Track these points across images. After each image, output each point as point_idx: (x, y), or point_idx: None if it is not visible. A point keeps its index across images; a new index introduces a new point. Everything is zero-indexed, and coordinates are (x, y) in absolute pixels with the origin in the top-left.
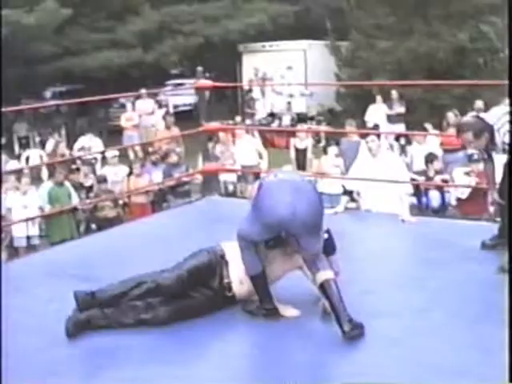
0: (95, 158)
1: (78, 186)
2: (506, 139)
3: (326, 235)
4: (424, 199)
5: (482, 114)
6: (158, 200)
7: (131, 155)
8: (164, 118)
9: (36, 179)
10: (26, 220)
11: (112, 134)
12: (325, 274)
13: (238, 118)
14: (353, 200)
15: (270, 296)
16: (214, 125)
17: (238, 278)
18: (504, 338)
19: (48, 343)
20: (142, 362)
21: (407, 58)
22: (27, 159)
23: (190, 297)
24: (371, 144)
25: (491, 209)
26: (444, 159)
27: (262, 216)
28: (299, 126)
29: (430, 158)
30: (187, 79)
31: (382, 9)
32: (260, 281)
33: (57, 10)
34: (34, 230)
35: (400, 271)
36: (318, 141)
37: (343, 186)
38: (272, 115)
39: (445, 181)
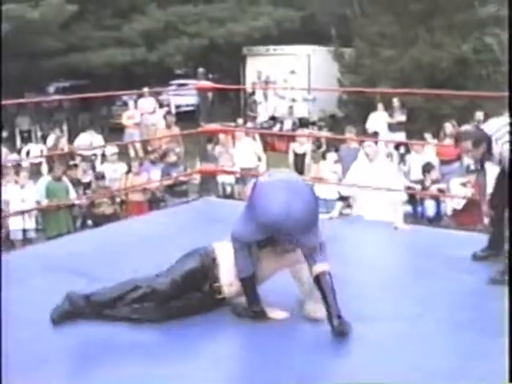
0: (95, 155)
1: (76, 182)
2: (504, 150)
3: None
4: (419, 208)
5: (481, 125)
6: (156, 199)
7: (131, 153)
8: (165, 117)
9: (36, 174)
10: (23, 212)
11: (113, 132)
12: (321, 266)
13: (240, 121)
14: (349, 206)
15: (257, 298)
16: (212, 126)
17: (228, 280)
18: (490, 346)
19: (38, 335)
20: (134, 360)
21: (410, 67)
22: (28, 153)
23: (182, 299)
24: (368, 149)
25: (486, 220)
26: (440, 170)
27: (257, 216)
28: (299, 131)
29: (427, 168)
30: (191, 80)
31: (386, 17)
32: (250, 283)
33: (62, 5)
34: (30, 224)
35: (389, 278)
36: (319, 146)
37: (338, 192)
38: (274, 119)
39: (440, 191)
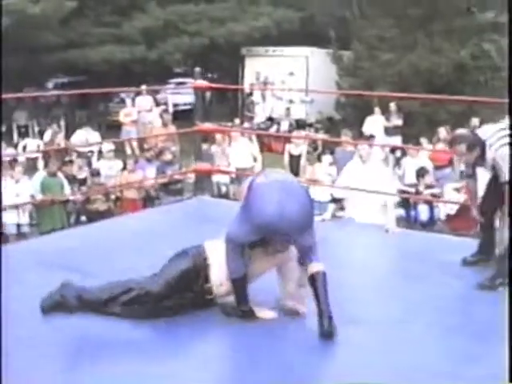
0: (92, 152)
1: (72, 178)
2: (497, 156)
3: None
4: (413, 213)
5: (476, 130)
6: (150, 196)
7: (128, 150)
8: (161, 115)
9: (33, 169)
10: (17, 206)
11: (111, 129)
12: (316, 266)
13: (237, 121)
14: (342, 208)
15: (246, 298)
16: (207, 125)
17: (218, 281)
18: (478, 350)
19: (30, 330)
20: (126, 358)
21: (408, 72)
22: (24, 148)
23: (173, 299)
24: (362, 151)
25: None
26: (433, 175)
27: (252, 217)
28: (295, 133)
29: (421, 173)
30: (190, 78)
31: (385, 20)
32: (240, 284)
33: (62, 1)
34: (24, 218)
35: (379, 281)
36: (315, 148)
37: (331, 194)
38: (271, 120)
39: (434, 195)
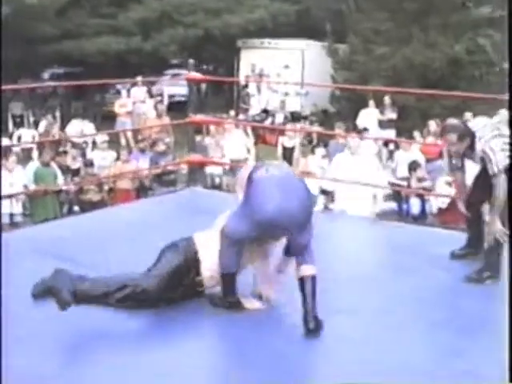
0: (86, 142)
1: (65, 169)
2: (487, 147)
3: None
4: (405, 206)
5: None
6: (144, 187)
7: (123, 141)
8: (155, 107)
9: (27, 159)
10: (10, 196)
11: (106, 120)
12: (308, 269)
13: (232, 113)
14: (333, 201)
15: (234, 291)
16: (200, 117)
17: (209, 274)
18: (463, 344)
19: (24, 320)
20: (117, 349)
21: (403, 66)
22: (19, 138)
23: (166, 294)
24: (351, 142)
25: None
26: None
27: (253, 213)
28: (289, 125)
29: (413, 166)
30: (186, 70)
31: (381, 14)
32: (230, 279)
33: None
34: (17, 208)
35: (367, 273)
36: (310, 141)
37: (320, 187)
38: (266, 112)
39: (425, 189)
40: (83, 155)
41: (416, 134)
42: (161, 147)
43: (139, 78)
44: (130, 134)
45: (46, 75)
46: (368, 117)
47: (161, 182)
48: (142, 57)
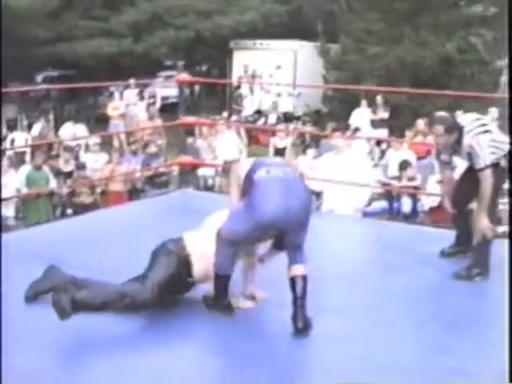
0: (79, 145)
1: (58, 172)
2: (474, 142)
3: None
4: (396, 205)
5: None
6: (136, 189)
7: (116, 144)
8: (147, 109)
9: (21, 162)
10: (2, 200)
11: (99, 122)
12: (299, 269)
13: (225, 114)
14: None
15: (226, 293)
16: (191, 119)
17: (201, 275)
18: (451, 342)
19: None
20: (113, 352)
21: (395, 65)
22: (12, 142)
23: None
24: (337, 141)
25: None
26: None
27: (254, 215)
28: (280, 126)
29: (403, 165)
30: (181, 71)
31: (372, 14)
32: (224, 281)
33: None
34: (9, 212)
35: (357, 272)
36: (303, 141)
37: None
38: (259, 113)
39: (415, 188)
40: (76, 158)
41: (408, 133)
42: (153, 149)
43: (132, 81)
44: (123, 137)
45: (39, 78)
46: (360, 116)
47: (153, 184)
48: (133, 59)
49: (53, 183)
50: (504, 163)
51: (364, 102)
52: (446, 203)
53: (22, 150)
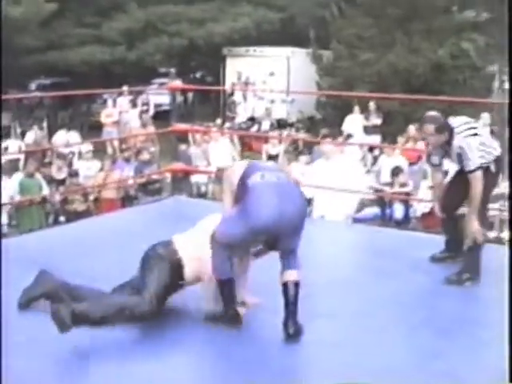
0: (72, 152)
1: (50, 180)
2: (464, 143)
3: None
4: (388, 211)
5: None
6: (129, 196)
7: (109, 151)
8: (140, 116)
9: (14, 170)
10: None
11: (93, 129)
12: (292, 275)
13: (219, 121)
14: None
15: (234, 300)
16: (182, 126)
17: (192, 277)
18: (443, 346)
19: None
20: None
21: (387, 71)
22: (6, 149)
23: None
24: (325, 147)
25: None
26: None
27: (249, 220)
28: (272, 133)
29: (395, 172)
30: (174, 79)
31: (364, 20)
32: (228, 286)
33: (42, 3)
34: (3, 219)
35: (348, 278)
36: (296, 148)
37: None
38: (252, 119)
39: (407, 194)
40: (70, 165)
41: (400, 139)
42: (145, 156)
43: (125, 88)
44: (116, 144)
45: (33, 86)
46: (353, 123)
47: (146, 191)
48: (126, 66)
49: (46, 191)
50: (494, 168)
51: (357, 109)
52: (436, 207)
53: (15, 157)
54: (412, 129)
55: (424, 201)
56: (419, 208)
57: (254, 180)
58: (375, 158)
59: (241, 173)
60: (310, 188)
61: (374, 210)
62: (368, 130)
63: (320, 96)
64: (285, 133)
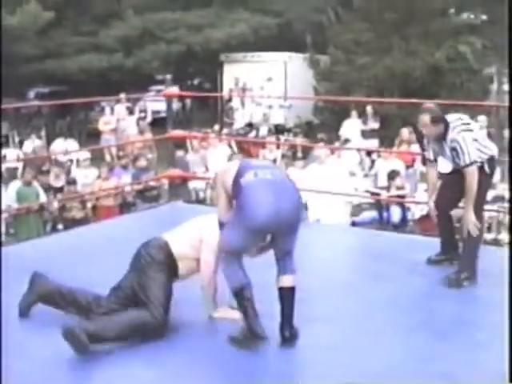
0: (70, 160)
1: (48, 188)
2: (459, 137)
3: None
4: (385, 214)
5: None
6: (126, 203)
7: (108, 158)
8: (138, 123)
9: (13, 178)
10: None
11: (91, 137)
12: (288, 280)
13: (217, 127)
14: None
15: (256, 313)
16: (179, 132)
17: (184, 274)
18: (439, 348)
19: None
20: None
21: (384, 75)
22: (4, 158)
23: None
24: (318, 152)
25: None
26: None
27: (246, 222)
28: (268, 138)
29: (392, 175)
30: (171, 85)
31: (361, 24)
32: (248, 297)
33: (39, 12)
34: (1, 228)
35: (345, 281)
36: (294, 153)
37: None
38: (250, 125)
39: (403, 197)
40: (68, 173)
41: (397, 142)
42: (143, 163)
43: (123, 95)
44: (114, 151)
45: (31, 94)
46: (351, 127)
47: (144, 197)
48: (123, 74)
49: (43, 198)
50: (487, 168)
51: (354, 113)
52: (430, 206)
53: (13, 166)
54: (405, 132)
55: (420, 203)
56: (416, 211)
57: (247, 179)
58: (373, 162)
59: (234, 173)
60: (303, 192)
61: (372, 214)
62: (366, 134)
63: (317, 101)
64: (282, 138)
